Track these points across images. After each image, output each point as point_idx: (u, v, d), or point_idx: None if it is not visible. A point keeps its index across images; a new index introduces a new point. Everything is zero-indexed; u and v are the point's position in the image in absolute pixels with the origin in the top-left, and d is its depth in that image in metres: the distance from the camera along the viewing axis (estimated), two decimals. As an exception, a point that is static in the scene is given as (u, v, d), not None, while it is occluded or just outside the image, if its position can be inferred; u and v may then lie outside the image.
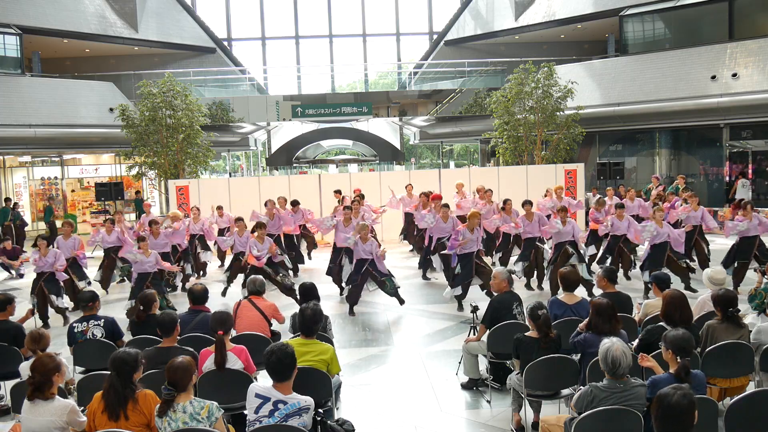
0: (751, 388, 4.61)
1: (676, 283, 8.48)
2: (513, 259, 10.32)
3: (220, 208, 12.03)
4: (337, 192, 13.21)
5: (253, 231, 9.13)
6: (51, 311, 8.59)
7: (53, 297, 8.37)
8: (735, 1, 17.77)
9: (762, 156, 17.22)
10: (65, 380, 4.22)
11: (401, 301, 8.56)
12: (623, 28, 19.74)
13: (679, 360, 3.68)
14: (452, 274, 8.59)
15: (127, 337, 5.69)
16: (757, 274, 6.40)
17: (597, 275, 5.95)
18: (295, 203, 11.53)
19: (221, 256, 12.33)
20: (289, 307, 8.46)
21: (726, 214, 14.93)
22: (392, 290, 8.48)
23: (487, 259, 10.04)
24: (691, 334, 4.09)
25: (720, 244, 13.36)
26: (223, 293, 9.61)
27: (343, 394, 5.35)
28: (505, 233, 10.22)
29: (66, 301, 8.74)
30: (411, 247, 12.96)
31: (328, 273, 9.73)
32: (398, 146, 26.71)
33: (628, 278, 9.69)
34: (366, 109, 21.97)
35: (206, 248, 11.37)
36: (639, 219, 10.74)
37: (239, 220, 9.64)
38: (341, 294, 9.25)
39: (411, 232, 12.46)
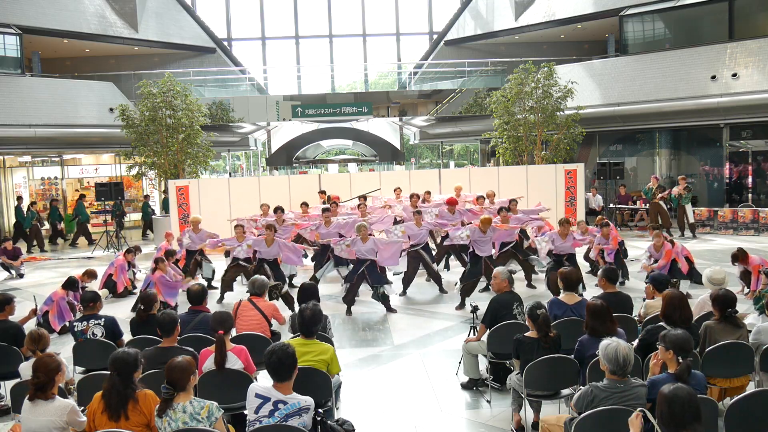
0: (751, 388, 4.61)
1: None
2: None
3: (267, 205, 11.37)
4: (322, 192, 13.24)
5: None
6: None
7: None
8: (735, 1, 17.75)
9: (762, 156, 17.22)
10: (65, 380, 4.22)
11: (389, 309, 8.54)
12: (623, 28, 19.73)
13: (680, 360, 3.68)
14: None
15: (127, 336, 5.69)
16: (762, 276, 6.41)
17: (597, 275, 5.95)
18: (277, 210, 10.57)
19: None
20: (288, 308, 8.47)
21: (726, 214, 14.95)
22: (379, 297, 8.49)
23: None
24: (691, 334, 4.09)
25: (720, 244, 13.38)
26: (219, 300, 9.37)
27: (343, 394, 5.36)
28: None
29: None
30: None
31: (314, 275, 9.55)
32: (398, 146, 26.73)
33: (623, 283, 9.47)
34: (366, 109, 21.97)
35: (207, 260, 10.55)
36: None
37: (238, 226, 9.47)
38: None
39: None
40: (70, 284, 7.69)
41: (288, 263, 9.08)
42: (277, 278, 8.60)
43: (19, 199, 17.35)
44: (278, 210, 10.51)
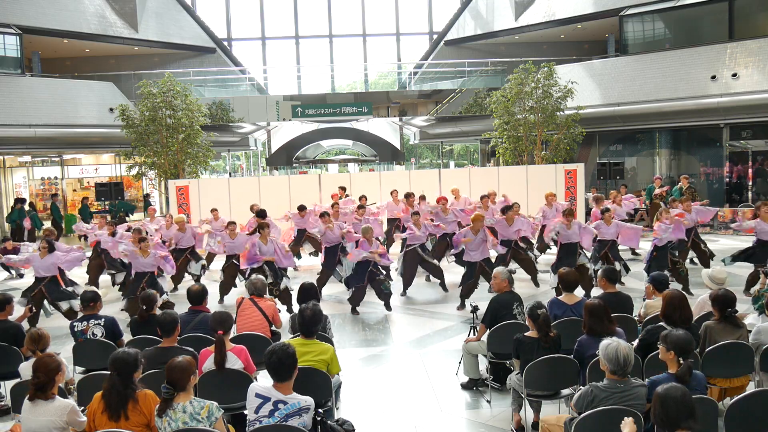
0: (751, 388, 4.61)
1: (675, 286, 8.45)
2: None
3: (214, 210, 11.77)
4: (342, 189, 13.14)
5: (254, 232, 9.04)
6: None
7: (60, 303, 8.01)
8: (735, 1, 17.75)
9: (762, 156, 17.22)
10: (65, 380, 4.22)
11: (387, 307, 8.57)
12: (623, 28, 19.74)
13: (681, 361, 3.68)
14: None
15: (127, 336, 5.69)
16: (761, 276, 6.39)
17: (597, 275, 5.95)
18: (301, 208, 11.20)
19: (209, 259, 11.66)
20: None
21: (726, 214, 14.94)
22: (385, 292, 8.50)
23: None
24: (691, 334, 4.08)
25: (720, 244, 13.37)
26: (220, 302, 9.37)
27: (343, 394, 5.36)
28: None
29: (76, 304, 7.95)
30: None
31: (319, 281, 9.52)
32: (398, 146, 26.72)
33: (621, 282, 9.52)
34: (366, 109, 21.97)
35: (197, 258, 10.63)
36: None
37: (231, 223, 9.47)
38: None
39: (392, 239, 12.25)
40: (50, 246, 8.23)
41: (279, 265, 9.04)
42: (275, 276, 8.60)
43: (54, 196, 17.44)
44: (254, 206, 10.87)
